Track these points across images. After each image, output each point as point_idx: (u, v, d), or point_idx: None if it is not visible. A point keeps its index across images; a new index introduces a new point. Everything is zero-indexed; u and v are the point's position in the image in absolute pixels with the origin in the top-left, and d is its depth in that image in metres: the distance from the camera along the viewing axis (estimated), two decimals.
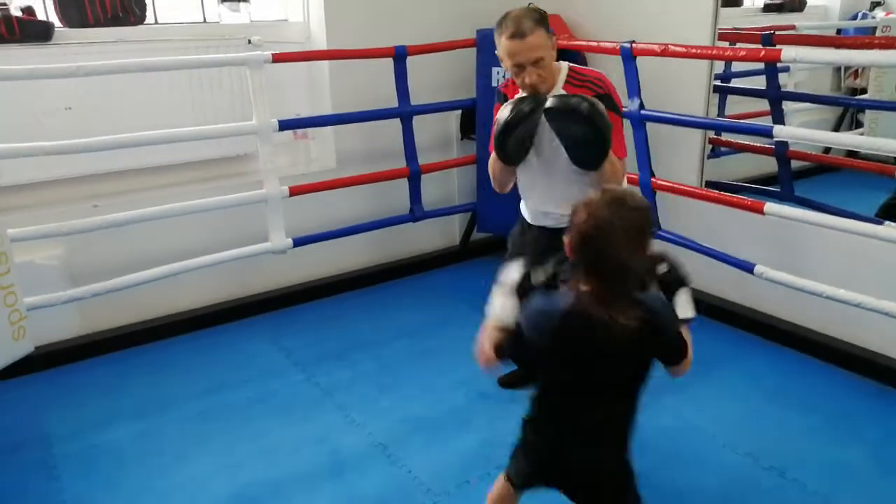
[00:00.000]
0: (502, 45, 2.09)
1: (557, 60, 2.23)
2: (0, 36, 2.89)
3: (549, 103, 2.05)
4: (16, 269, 2.62)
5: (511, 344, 1.61)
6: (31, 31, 2.97)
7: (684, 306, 1.62)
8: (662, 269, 1.62)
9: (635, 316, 1.43)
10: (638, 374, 1.58)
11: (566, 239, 1.48)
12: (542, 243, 2.34)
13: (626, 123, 3.23)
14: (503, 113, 2.12)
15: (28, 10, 3.01)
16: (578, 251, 1.45)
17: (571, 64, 2.26)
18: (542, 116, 2.09)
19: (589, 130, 2.03)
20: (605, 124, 2.03)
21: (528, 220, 2.45)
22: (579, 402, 1.59)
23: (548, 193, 2.32)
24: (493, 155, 2.26)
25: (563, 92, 2.18)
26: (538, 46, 2.07)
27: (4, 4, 2.92)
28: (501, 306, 1.67)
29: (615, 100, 2.22)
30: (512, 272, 1.70)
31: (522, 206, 2.48)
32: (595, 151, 2.09)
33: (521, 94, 2.23)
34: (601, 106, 2.03)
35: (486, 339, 1.66)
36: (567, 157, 2.15)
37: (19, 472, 2.48)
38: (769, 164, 3.88)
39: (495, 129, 2.14)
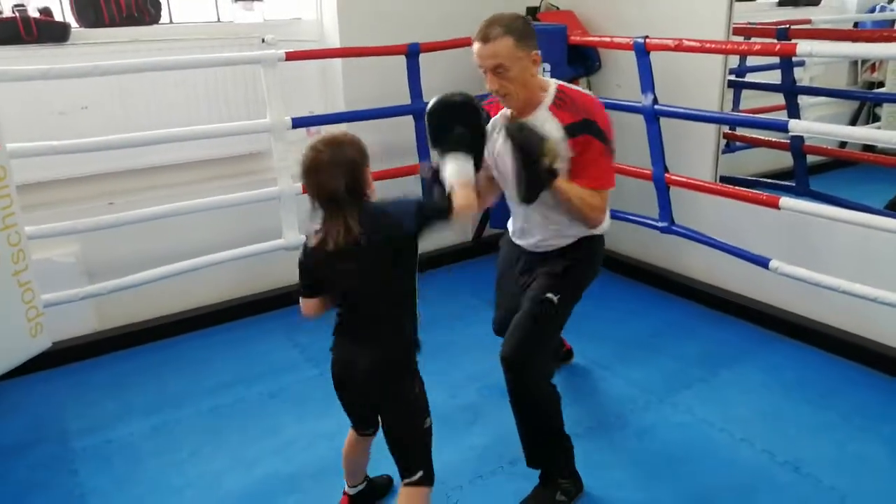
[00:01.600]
0: (474, 50, 2.04)
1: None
2: (18, 37, 2.92)
3: (506, 128, 1.93)
4: (33, 266, 2.65)
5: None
6: (48, 31, 3.01)
7: (450, 172, 1.85)
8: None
9: (356, 229, 1.71)
10: (387, 274, 1.81)
11: None
12: (514, 256, 2.39)
13: (640, 119, 3.24)
14: None
15: (45, 11, 3.04)
16: (304, 183, 1.78)
17: (564, 85, 2.15)
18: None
19: (520, 162, 1.90)
20: (536, 162, 1.87)
21: (510, 234, 2.42)
22: (347, 310, 1.88)
23: (523, 216, 2.27)
24: None
25: (548, 112, 2.08)
26: (499, 55, 1.98)
27: (22, 6, 2.95)
28: None
29: (601, 127, 2.06)
30: None
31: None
32: (521, 186, 1.93)
33: (503, 111, 2.16)
34: (547, 144, 1.88)
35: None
36: None
37: (39, 466, 2.51)
38: (784, 159, 3.85)
39: None
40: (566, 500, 2.21)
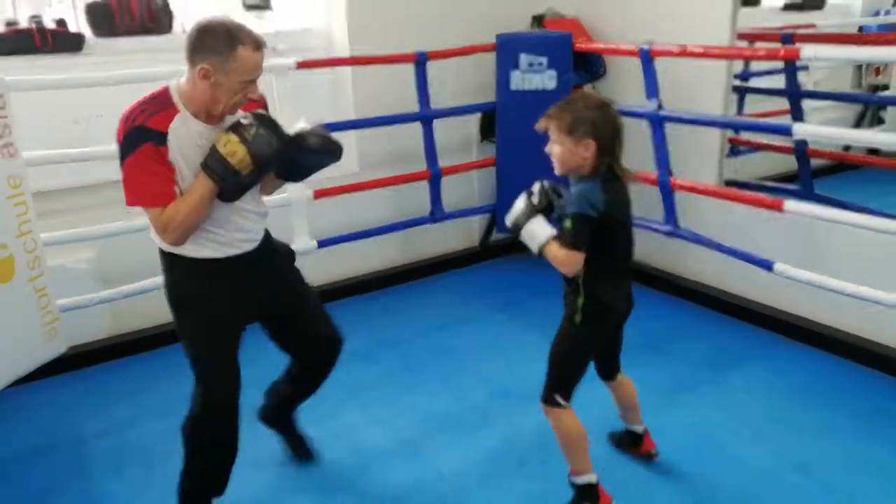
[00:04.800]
0: (245, 58, 1.79)
1: None
2: (34, 47, 2.98)
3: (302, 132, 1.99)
4: (48, 272, 2.71)
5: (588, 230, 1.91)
6: (63, 42, 3.07)
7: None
8: None
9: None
10: None
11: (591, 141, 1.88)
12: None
13: (646, 124, 3.27)
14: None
15: (60, 22, 3.10)
16: (609, 140, 1.90)
17: None
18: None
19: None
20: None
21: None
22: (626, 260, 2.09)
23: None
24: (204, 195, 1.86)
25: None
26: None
27: (38, 17, 3.01)
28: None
29: None
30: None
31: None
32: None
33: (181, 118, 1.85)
34: None
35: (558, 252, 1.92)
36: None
37: (53, 470, 2.54)
38: (789, 163, 3.87)
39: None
40: None
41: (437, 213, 3.81)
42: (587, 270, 1.95)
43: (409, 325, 3.55)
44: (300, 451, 2.51)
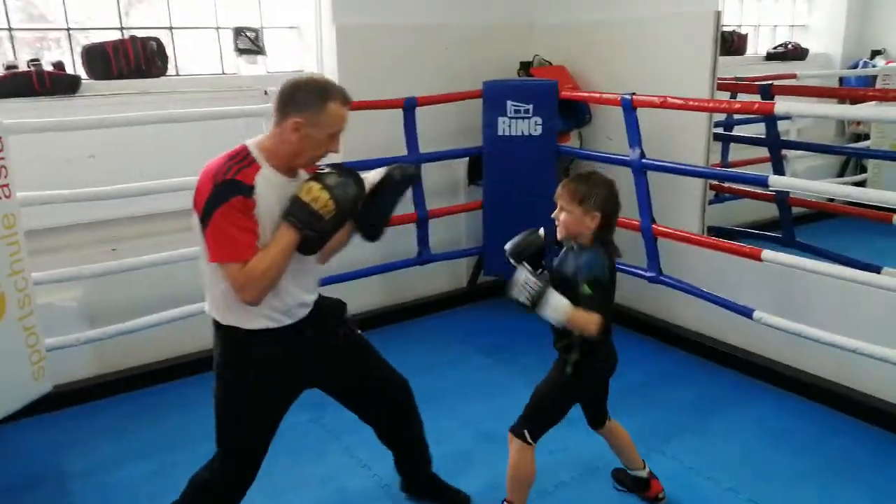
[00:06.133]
0: (334, 112, 1.89)
1: None
2: (33, 89, 3.05)
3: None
4: (37, 311, 2.72)
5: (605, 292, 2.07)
6: (60, 84, 3.13)
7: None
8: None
9: None
10: None
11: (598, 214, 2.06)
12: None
13: (629, 171, 3.35)
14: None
15: (58, 65, 3.17)
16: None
17: None
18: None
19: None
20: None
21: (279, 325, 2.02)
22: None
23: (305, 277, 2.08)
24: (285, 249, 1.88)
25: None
26: None
27: (37, 61, 3.08)
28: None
29: None
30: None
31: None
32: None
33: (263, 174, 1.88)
34: None
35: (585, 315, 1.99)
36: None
37: None
38: (772, 209, 3.95)
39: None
40: None
41: (424, 255, 3.86)
42: None
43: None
44: (456, 501, 2.52)
